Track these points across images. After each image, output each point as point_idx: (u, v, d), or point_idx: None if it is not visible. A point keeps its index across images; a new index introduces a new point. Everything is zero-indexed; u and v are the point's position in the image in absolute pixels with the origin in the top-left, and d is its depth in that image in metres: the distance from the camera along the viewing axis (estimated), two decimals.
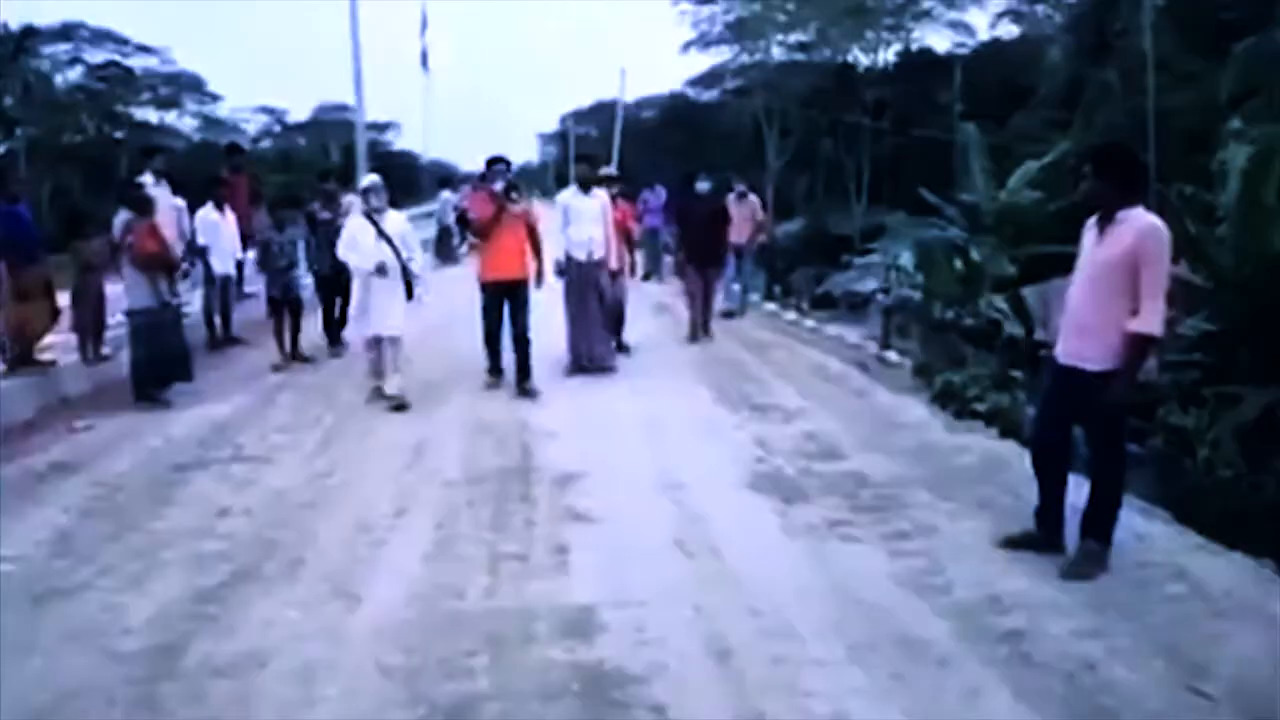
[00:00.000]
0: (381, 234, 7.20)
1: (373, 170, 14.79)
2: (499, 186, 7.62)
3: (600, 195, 8.65)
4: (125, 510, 5.08)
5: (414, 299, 7.43)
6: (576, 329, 8.45)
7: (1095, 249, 4.09)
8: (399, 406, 7.17)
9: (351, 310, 7.70)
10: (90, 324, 8.47)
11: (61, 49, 33.88)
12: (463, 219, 19.42)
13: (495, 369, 7.98)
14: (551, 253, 8.26)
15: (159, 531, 4.78)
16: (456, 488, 5.41)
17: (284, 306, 9.07)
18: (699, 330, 10.70)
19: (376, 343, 7.40)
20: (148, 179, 9.17)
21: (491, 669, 3.41)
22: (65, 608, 3.94)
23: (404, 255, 7.28)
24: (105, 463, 5.93)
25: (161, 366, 7.56)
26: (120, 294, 7.93)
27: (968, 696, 3.23)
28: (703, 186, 11.57)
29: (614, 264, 8.74)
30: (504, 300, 7.68)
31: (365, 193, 7.37)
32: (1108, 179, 4.10)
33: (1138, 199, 4.09)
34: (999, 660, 3.45)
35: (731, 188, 12.91)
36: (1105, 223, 4.06)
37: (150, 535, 4.73)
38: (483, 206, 7.77)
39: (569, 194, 8.63)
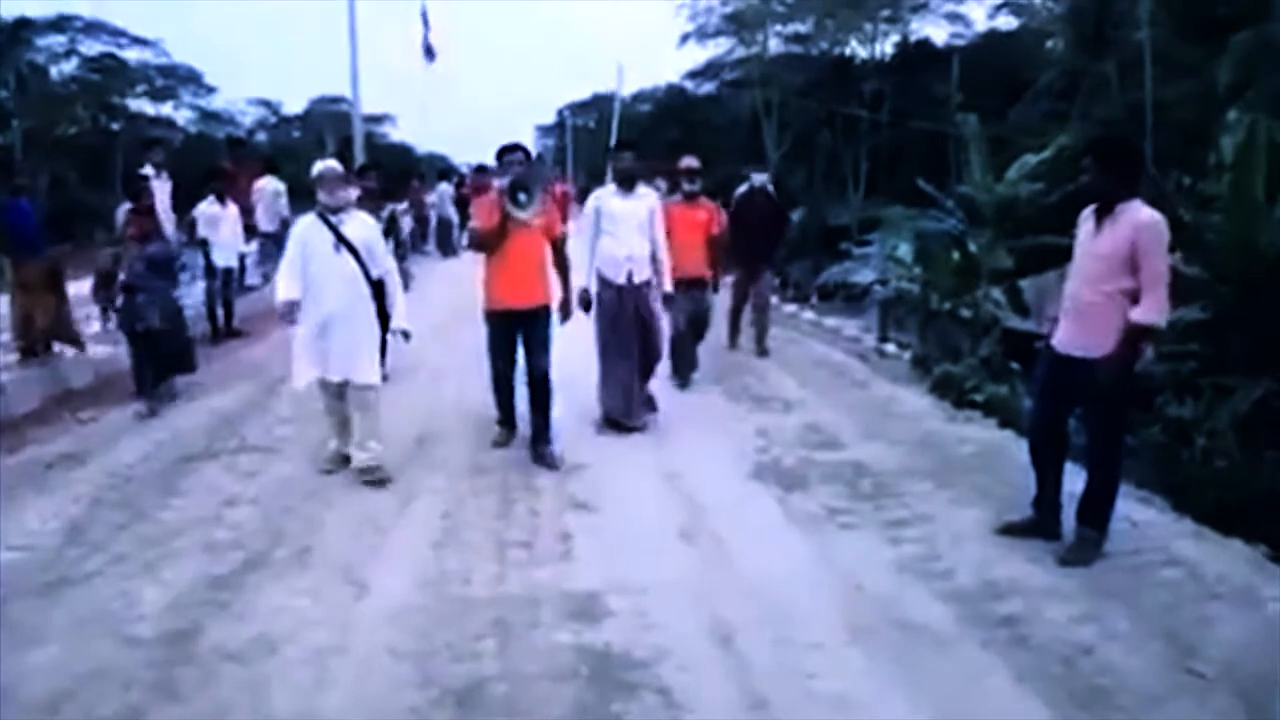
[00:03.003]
0: (342, 241, 5.32)
1: (369, 162, 14.69)
2: (503, 185, 5.64)
3: (647, 196, 6.49)
4: (135, 500, 5.13)
5: (392, 334, 5.70)
6: (609, 375, 6.41)
7: (1093, 240, 4.15)
8: (376, 481, 5.35)
9: (295, 345, 5.45)
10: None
11: (56, 40, 33.72)
12: (462, 204, 19.47)
13: (507, 419, 6.09)
14: (579, 269, 6.30)
15: (169, 520, 4.84)
16: (461, 478, 5.46)
17: (136, 340, 7.09)
18: (764, 343, 9.32)
19: (333, 392, 5.48)
20: (149, 171, 9.22)
21: (500, 652, 3.49)
22: (79, 595, 4.00)
23: (372, 271, 5.42)
24: (113, 453, 5.98)
25: (164, 358, 7.59)
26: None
27: (968, 678, 3.31)
28: (759, 179, 9.79)
29: (667, 285, 6.54)
30: (516, 335, 5.78)
31: (317, 183, 5.39)
32: (1110, 171, 4.15)
33: (1136, 191, 4.15)
34: (998, 643, 3.53)
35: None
36: (1103, 214, 4.12)
37: (160, 524, 4.78)
38: (486, 212, 5.70)
39: (605, 193, 6.51)
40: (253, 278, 11.90)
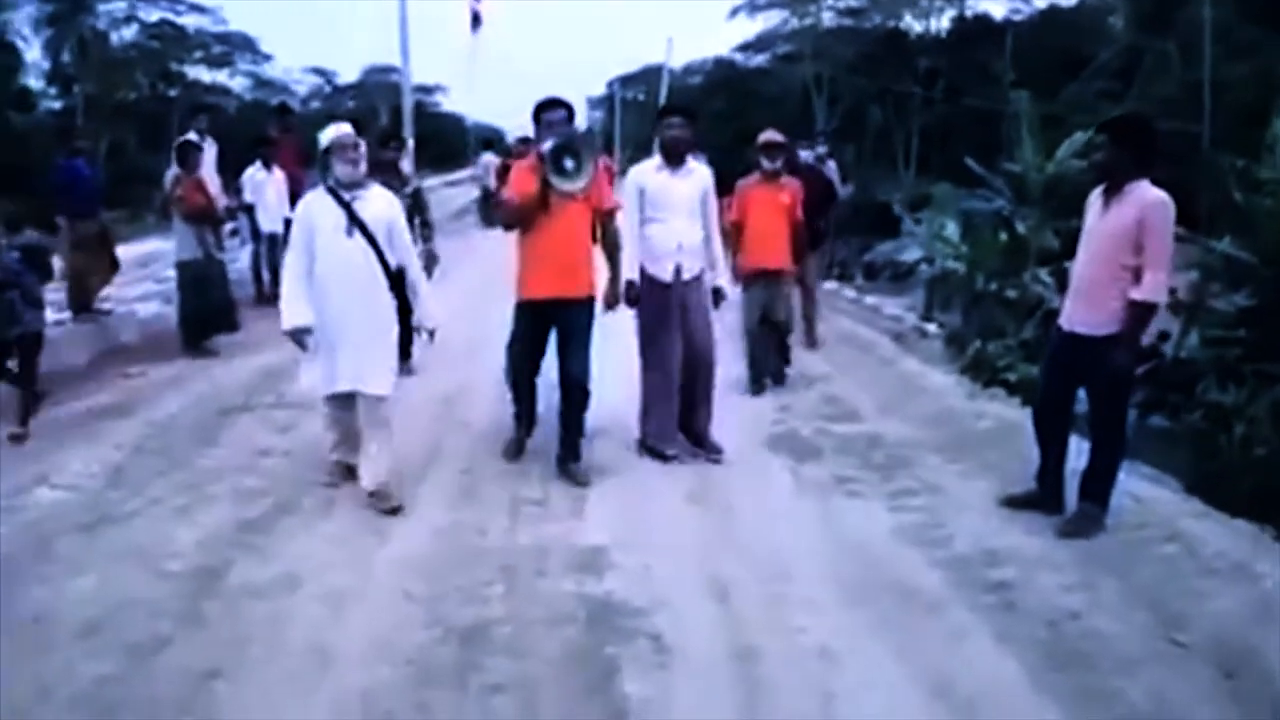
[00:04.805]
0: (355, 222, 4.50)
1: (418, 134, 14.72)
2: (546, 148, 4.62)
3: (700, 172, 5.41)
4: (174, 448, 5.39)
5: (416, 332, 4.94)
6: (653, 390, 5.40)
7: (1100, 220, 4.19)
8: (390, 509, 4.53)
9: (307, 350, 4.60)
10: None
11: (117, 7, 34.46)
12: (505, 174, 19.55)
13: (525, 414, 5.22)
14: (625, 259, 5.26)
15: (205, 468, 5.09)
16: (483, 438, 5.63)
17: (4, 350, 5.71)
18: (815, 333, 8.64)
19: (340, 403, 4.71)
20: (192, 137, 9.47)
21: (506, 597, 3.68)
22: (117, 532, 4.26)
23: (390, 259, 4.59)
24: (156, 406, 6.26)
25: (208, 317, 7.91)
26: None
27: (952, 639, 3.42)
28: (807, 155, 9.23)
29: (720, 279, 5.54)
30: (549, 329, 4.92)
31: (327, 153, 4.52)
32: (1126, 149, 4.18)
33: (1148, 171, 4.17)
34: (986, 607, 3.63)
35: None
36: (1111, 194, 4.16)
37: (197, 471, 5.04)
38: (522, 180, 4.80)
39: (647, 169, 5.39)
40: None
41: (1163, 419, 8.68)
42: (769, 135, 7.04)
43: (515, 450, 5.22)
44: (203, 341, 7.87)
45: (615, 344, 5.71)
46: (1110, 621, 3.51)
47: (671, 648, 3.30)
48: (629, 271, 5.25)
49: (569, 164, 4.58)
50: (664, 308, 5.26)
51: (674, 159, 5.29)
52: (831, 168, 10.72)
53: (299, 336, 4.51)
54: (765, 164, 6.95)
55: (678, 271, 5.27)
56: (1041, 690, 3.11)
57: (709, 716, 2.98)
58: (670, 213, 5.26)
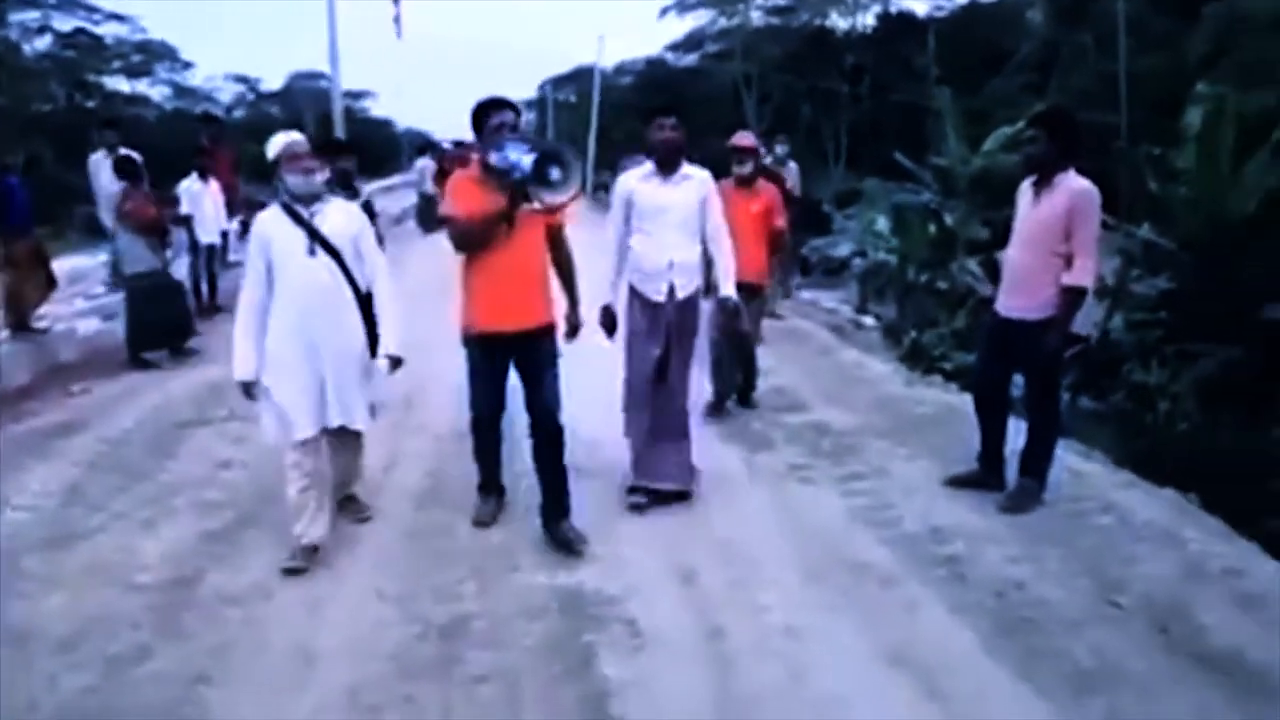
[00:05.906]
0: (316, 239, 4.01)
1: (348, 140, 14.58)
2: (514, 158, 3.90)
3: (697, 179, 4.68)
4: (131, 463, 5.37)
5: (386, 361, 4.21)
6: (639, 423, 4.82)
7: (1032, 209, 4.44)
8: (361, 519, 4.57)
9: (268, 381, 4.05)
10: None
11: (29, 16, 33.43)
12: (443, 178, 19.49)
13: (490, 480, 4.68)
14: (593, 280, 4.72)
15: (165, 482, 5.09)
16: (445, 440, 5.70)
17: None
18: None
19: (317, 445, 4.18)
20: (99, 155, 9.26)
21: (480, 593, 3.79)
22: (83, 548, 4.26)
23: (360, 280, 4.15)
24: (108, 421, 6.20)
25: (164, 328, 7.86)
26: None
27: (907, 610, 3.64)
28: (779, 150, 9.52)
29: (728, 288, 4.75)
30: (508, 365, 4.34)
31: (275, 165, 4.05)
32: (1056, 141, 4.42)
33: (1075, 162, 4.43)
34: (937, 580, 3.86)
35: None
36: (1041, 185, 4.41)
37: (157, 485, 5.04)
38: (471, 195, 4.12)
39: (635, 177, 4.73)
40: (236, 253, 12.05)
41: (1090, 400, 9.11)
42: (741, 139, 6.54)
43: (488, 520, 4.55)
44: (159, 350, 7.82)
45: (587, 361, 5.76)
46: (1053, 588, 3.76)
47: (645, 632, 3.45)
48: (607, 293, 4.77)
49: (555, 174, 3.94)
50: (652, 331, 4.70)
51: (666, 165, 4.63)
52: (793, 169, 10.82)
53: (248, 389, 4.07)
54: (737, 169, 6.38)
55: (670, 291, 4.66)
56: (993, 654, 3.33)
57: (685, 694, 3.13)
58: (660, 225, 4.64)
